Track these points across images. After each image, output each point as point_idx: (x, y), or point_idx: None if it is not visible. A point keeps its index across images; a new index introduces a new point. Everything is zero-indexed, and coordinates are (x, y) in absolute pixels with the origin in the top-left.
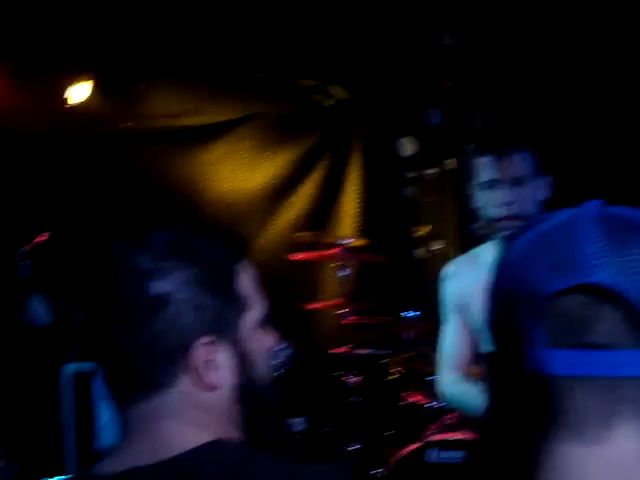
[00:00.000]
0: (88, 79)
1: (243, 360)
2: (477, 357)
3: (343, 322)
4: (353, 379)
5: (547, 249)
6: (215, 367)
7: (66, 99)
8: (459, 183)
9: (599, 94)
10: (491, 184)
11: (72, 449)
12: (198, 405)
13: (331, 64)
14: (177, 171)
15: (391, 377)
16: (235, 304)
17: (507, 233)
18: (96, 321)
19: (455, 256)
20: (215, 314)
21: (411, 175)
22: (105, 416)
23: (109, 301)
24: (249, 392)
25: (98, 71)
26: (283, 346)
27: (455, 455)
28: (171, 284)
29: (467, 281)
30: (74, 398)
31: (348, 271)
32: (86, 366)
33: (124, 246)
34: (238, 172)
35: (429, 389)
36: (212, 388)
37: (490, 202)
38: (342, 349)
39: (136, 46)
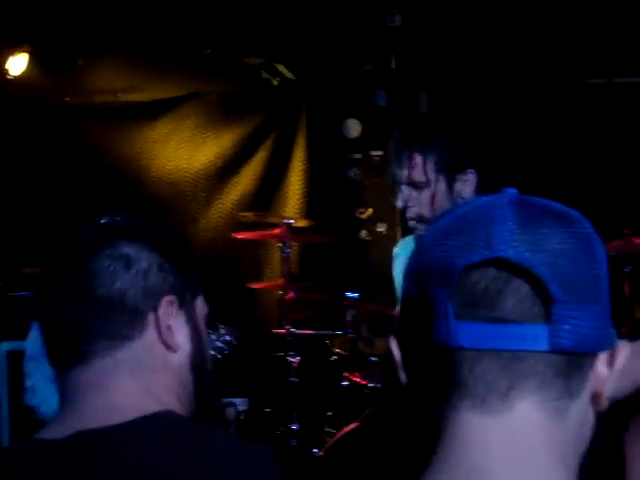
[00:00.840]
0: (25, 51)
1: (195, 334)
2: None
3: (285, 302)
4: (295, 359)
5: (462, 228)
6: (175, 330)
7: (6, 70)
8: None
9: (545, 78)
10: (395, 182)
11: (5, 429)
12: (156, 363)
13: (277, 43)
14: (119, 148)
15: (332, 357)
16: (191, 283)
17: (415, 232)
18: (57, 276)
19: (397, 239)
20: (177, 281)
21: (356, 157)
22: (34, 377)
23: (73, 261)
24: (200, 364)
25: (37, 43)
26: (224, 333)
27: None
28: (137, 247)
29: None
30: (7, 377)
31: (291, 251)
32: (21, 344)
33: (92, 224)
34: (182, 150)
35: (370, 370)
36: (172, 348)
37: (398, 199)
38: (284, 329)
39: (78, 19)
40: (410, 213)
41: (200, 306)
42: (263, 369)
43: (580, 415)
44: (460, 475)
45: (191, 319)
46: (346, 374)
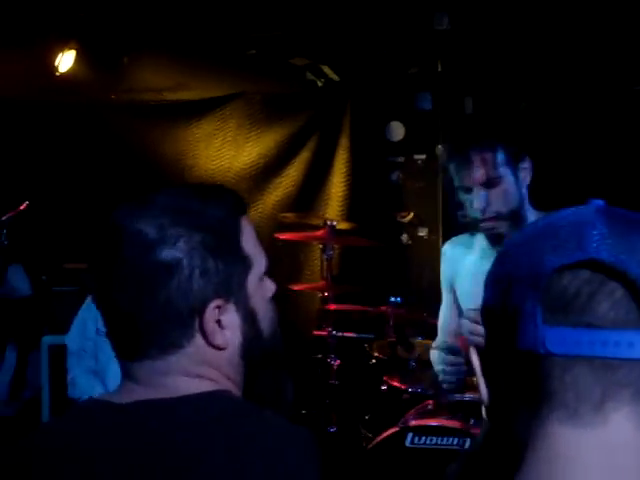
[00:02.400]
0: (73, 48)
1: (249, 316)
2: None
3: (326, 304)
4: (335, 362)
5: (551, 232)
6: (223, 328)
7: (56, 67)
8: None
9: (593, 84)
10: (464, 189)
11: (47, 420)
12: (208, 363)
13: (322, 44)
14: (163, 147)
15: (372, 361)
16: (240, 264)
17: (490, 232)
18: (106, 287)
19: (439, 244)
20: (222, 277)
21: (399, 160)
22: (74, 371)
23: (119, 268)
24: (255, 346)
25: (84, 40)
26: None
27: (433, 440)
28: (179, 252)
29: (457, 264)
30: (48, 370)
31: (332, 253)
32: (62, 339)
33: (129, 213)
34: (225, 150)
35: (409, 375)
36: (221, 348)
37: (468, 204)
38: (324, 331)
39: (125, 17)
40: (489, 213)
41: (255, 275)
42: (302, 371)
43: None
44: None
45: (242, 304)
46: (385, 378)
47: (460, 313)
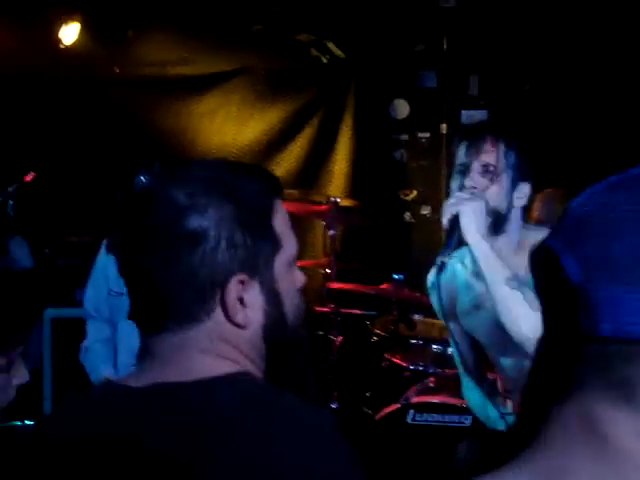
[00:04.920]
0: (77, 20)
1: (274, 299)
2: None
3: (329, 282)
4: (337, 338)
5: None
6: (246, 305)
7: (59, 40)
8: (451, 148)
9: (599, 66)
10: (462, 168)
11: (49, 393)
12: (228, 341)
13: (327, 20)
14: (166, 121)
15: (374, 338)
16: (269, 243)
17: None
18: (131, 252)
19: (440, 222)
20: (249, 253)
21: (403, 138)
22: (90, 338)
23: (145, 233)
24: (278, 330)
25: (89, 13)
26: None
27: (434, 417)
28: (207, 220)
29: (448, 295)
30: (51, 343)
31: (336, 230)
32: (65, 311)
33: (162, 180)
34: (228, 125)
35: (411, 352)
36: (242, 326)
37: (460, 187)
38: (326, 308)
39: None
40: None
41: (284, 257)
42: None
43: None
44: None
45: (267, 285)
46: (387, 355)
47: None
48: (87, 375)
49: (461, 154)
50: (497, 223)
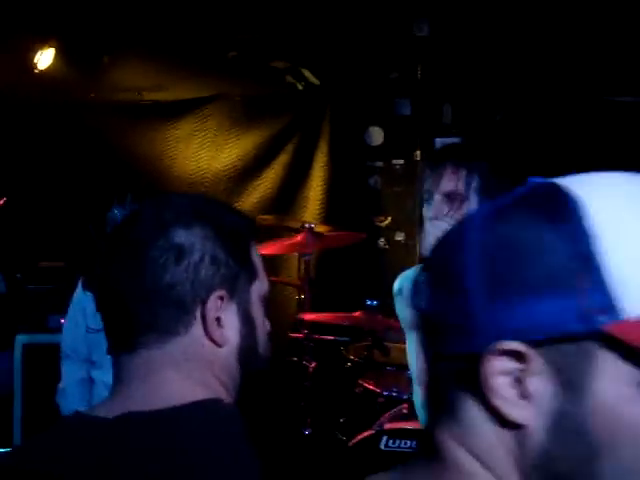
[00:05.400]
0: (52, 45)
1: (249, 323)
2: None
3: (303, 308)
4: (311, 364)
5: None
6: (222, 327)
7: (34, 64)
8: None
9: (572, 95)
10: (427, 195)
11: (19, 419)
12: (203, 358)
13: (303, 47)
14: (141, 147)
15: (347, 364)
16: (247, 269)
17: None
18: (110, 266)
19: (416, 248)
20: (230, 272)
21: (378, 164)
22: (67, 379)
23: (129, 247)
24: (251, 355)
25: (64, 38)
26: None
27: (407, 444)
28: (192, 236)
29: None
30: (22, 370)
31: (311, 256)
32: (37, 337)
33: (147, 202)
34: (204, 151)
35: (385, 378)
36: (219, 344)
37: (426, 214)
38: (300, 334)
39: (105, 16)
40: (439, 227)
41: (257, 290)
42: (276, 373)
43: None
44: None
45: (243, 308)
46: (361, 381)
47: None
48: (60, 413)
49: (426, 182)
50: None
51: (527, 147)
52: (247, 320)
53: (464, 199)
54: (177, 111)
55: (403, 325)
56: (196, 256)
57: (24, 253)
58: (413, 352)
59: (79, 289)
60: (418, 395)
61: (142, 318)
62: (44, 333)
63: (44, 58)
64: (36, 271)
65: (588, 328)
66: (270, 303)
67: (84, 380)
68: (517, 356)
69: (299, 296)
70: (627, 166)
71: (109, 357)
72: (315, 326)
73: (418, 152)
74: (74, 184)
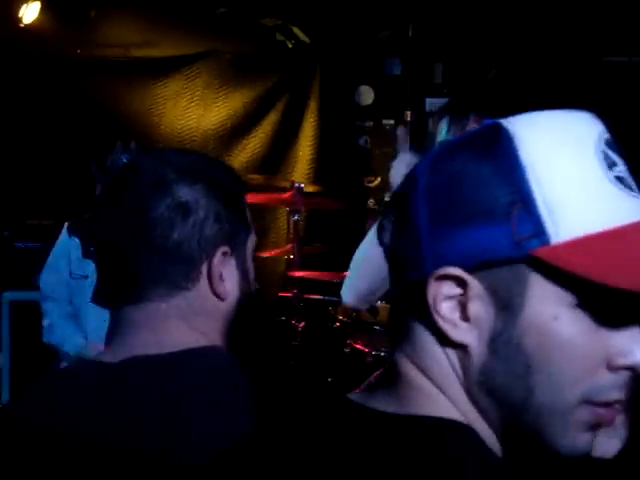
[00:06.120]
0: None
1: (245, 276)
2: None
3: (292, 268)
4: (299, 324)
5: None
6: (225, 278)
7: (20, 18)
8: (416, 135)
9: (566, 53)
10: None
11: (7, 376)
12: (207, 311)
13: (293, 5)
14: (129, 103)
15: (336, 324)
16: (244, 224)
17: None
18: (111, 228)
19: None
20: (231, 229)
21: (368, 124)
22: (51, 315)
23: (130, 207)
24: (246, 307)
25: None
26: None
27: None
28: (196, 193)
29: None
30: (9, 326)
31: (299, 216)
32: (24, 295)
33: (145, 157)
34: (192, 109)
35: (374, 338)
36: (222, 298)
37: None
38: (289, 293)
39: None
40: None
41: (251, 242)
42: (266, 332)
43: None
44: None
45: (241, 263)
46: (349, 341)
47: None
48: (53, 352)
49: (442, 131)
50: None
51: (519, 106)
52: (244, 274)
53: None
54: (165, 68)
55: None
56: (201, 214)
57: (12, 210)
58: None
59: (64, 234)
60: None
61: (149, 274)
62: (31, 290)
63: (29, 12)
64: (24, 228)
65: (520, 253)
66: (259, 263)
67: (70, 316)
68: (458, 281)
69: (288, 256)
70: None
71: (90, 305)
72: (304, 285)
73: (408, 112)
74: (61, 141)
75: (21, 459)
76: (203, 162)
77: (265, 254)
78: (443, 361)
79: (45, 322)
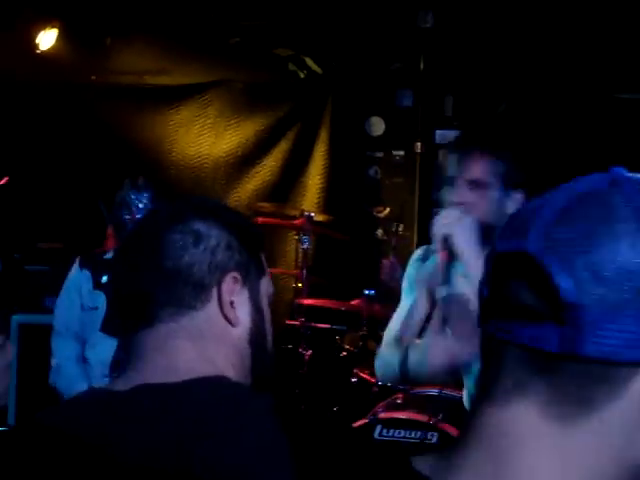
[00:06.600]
0: (55, 26)
1: (258, 311)
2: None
3: (300, 296)
4: (306, 352)
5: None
6: (236, 306)
7: (37, 44)
8: (425, 167)
9: (575, 88)
10: (451, 181)
11: (14, 399)
12: (216, 335)
13: (306, 36)
14: (142, 130)
15: (343, 353)
16: (258, 263)
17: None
18: (127, 253)
19: (413, 240)
20: (244, 260)
21: (378, 155)
22: (59, 355)
23: (145, 233)
24: (261, 339)
25: (67, 19)
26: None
27: (401, 433)
28: (209, 225)
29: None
30: (17, 349)
31: (308, 244)
32: (33, 318)
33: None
34: (204, 137)
35: None
36: (232, 323)
37: (449, 199)
38: (297, 321)
39: None
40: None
41: (265, 286)
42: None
43: None
44: None
45: (254, 297)
46: (356, 370)
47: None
48: (58, 394)
49: (450, 167)
50: (487, 235)
51: (528, 140)
52: (257, 308)
53: (488, 187)
54: (178, 96)
55: (407, 282)
56: (213, 241)
57: (23, 233)
58: (405, 308)
59: (75, 267)
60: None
61: (159, 296)
62: (40, 313)
63: (46, 39)
64: (34, 252)
65: None
66: None
67: (79, 357)
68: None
69: (296, 284)
70: (630, 162)
71: (102, 335)
72: (311, 314)
73: (418, 143)
74: (74, 166)
75: None
76: (221, 205)
77: (274, 271)
78: None
79: (53, 362)
